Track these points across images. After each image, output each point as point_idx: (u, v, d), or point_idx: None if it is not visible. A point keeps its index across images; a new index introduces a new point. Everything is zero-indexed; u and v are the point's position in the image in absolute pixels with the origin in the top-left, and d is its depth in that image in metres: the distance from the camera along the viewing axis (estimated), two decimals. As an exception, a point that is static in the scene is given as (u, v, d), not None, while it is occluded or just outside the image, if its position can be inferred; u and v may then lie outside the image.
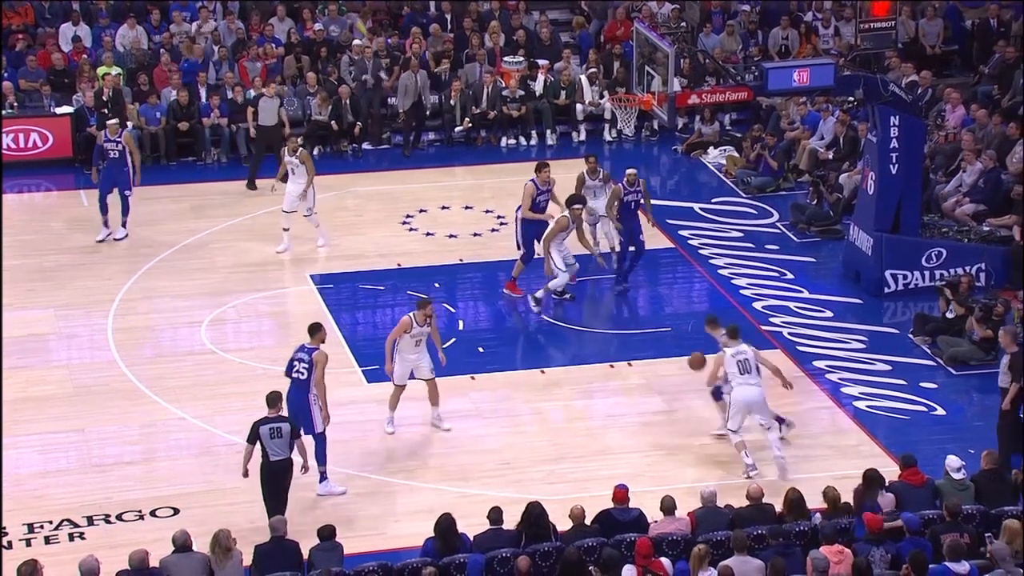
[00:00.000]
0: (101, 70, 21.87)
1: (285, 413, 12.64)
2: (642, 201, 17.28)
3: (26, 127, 21.17)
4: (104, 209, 18.65)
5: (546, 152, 22.51)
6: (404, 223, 19.42)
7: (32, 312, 16.79)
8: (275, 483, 12.40)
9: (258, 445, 12.35)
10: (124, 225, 18.77)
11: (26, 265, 17.75)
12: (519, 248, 17.19)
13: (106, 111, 20.68)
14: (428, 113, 22.37)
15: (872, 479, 11.94)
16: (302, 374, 13.12)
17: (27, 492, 13.21)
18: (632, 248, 17.22)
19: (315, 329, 13.44)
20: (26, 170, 20.84)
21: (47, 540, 12.59)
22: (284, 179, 18.32)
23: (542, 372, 15.69)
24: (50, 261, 18.08)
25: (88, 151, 21.00)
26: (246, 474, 12.43)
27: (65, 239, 18.84)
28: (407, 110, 21.92)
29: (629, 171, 17.35)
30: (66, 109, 21.49)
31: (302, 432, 12.77)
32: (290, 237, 18.25)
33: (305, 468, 12.70)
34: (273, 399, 12.53)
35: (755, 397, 13.57)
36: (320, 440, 13.17)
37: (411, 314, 14.16)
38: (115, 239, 18.56)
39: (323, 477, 13.30)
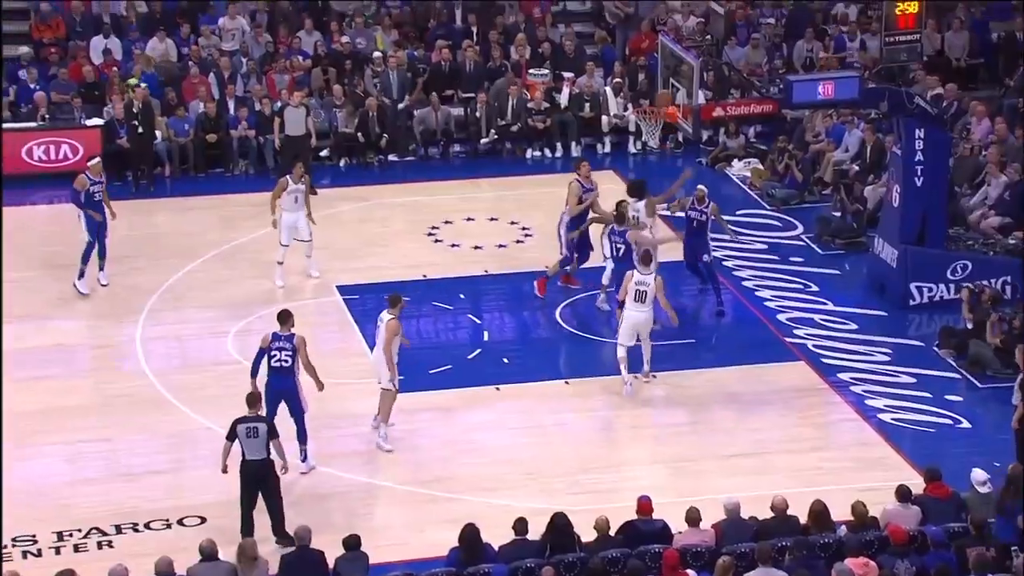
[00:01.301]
0: (131, 82, 22.02)
1: (263, 413, 12.81)
2: (705, 219, 17.17)
3: (57, 139, 21.34)
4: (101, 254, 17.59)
5: (571, 165, 22.47)
6: (430, 234, 19.48)
7: (62, 322, 16.91)
8: (251, 483, 12.50)
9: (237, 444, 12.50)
10: (103, 269, 17.69)
11: (56, 275, 17.86)
12: (565, 253, 17.10)
13: (137, 123, 20.84)
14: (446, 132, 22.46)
15: (904, 494, 11.87)
16: (286, 361, 13.45)
17: (56, 501, 13.30)
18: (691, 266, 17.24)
19: (286, 316, 13.75)
20: (56, 181, 20.96)
21: (76, 548, 12.67)
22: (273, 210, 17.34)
23: (567, 383, 15.70)
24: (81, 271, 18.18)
25: (118, 163, 21.17)
26: (225, 470, 12.56)
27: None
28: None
29: (700, 188, 17.33)
30: (96, 121, 21.66)
31: (293, 415, 13.27)
32: (284, 270, 17.70)
33: (284, 468, 12.78)
34: (253, 399, 12.75)
35: (642, 321, 15.35)
36: (303, 420, 13.45)
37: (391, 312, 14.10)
38: (102, 284, 17.63)
39: (305, 456, 13.62)
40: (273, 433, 12.59)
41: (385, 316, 14.17)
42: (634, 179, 17.04)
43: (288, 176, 17.55)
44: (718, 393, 15.40)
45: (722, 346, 16.67)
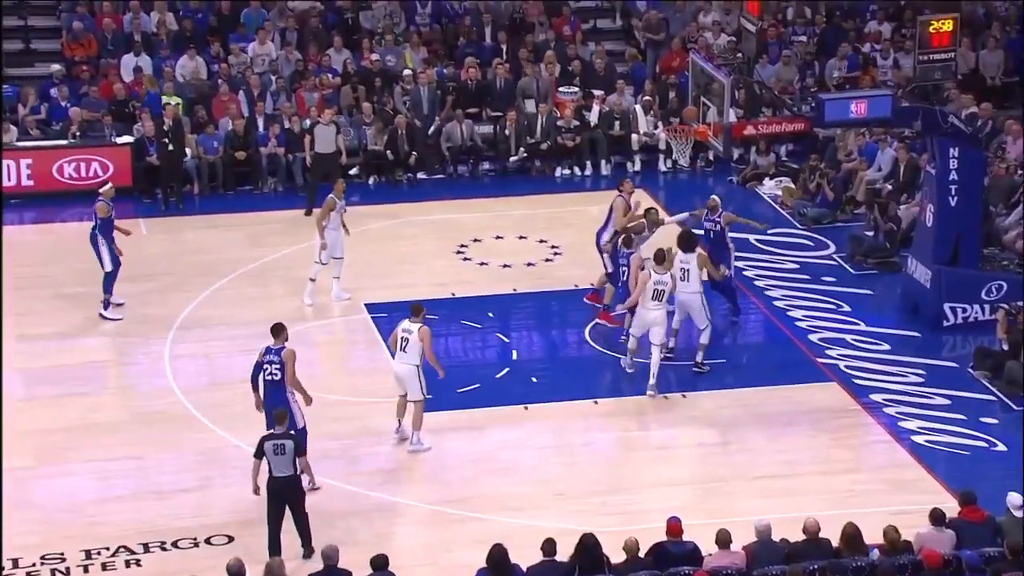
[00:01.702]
0: (162, 100, 22.16)
1: (290, 430, 12.79)
2: (720, 229, 17.08)
3: (88, 156, 21.49)
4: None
5: (600, 183, 22.55)
6: (458, 252, 19.50)
7: (91, 339, 17.01)
8: (278, 500, 12.51)
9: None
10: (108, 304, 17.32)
11: (85, 293, 17.96)
12: (610, 268, 16.93)
13: (167, 140, 20.99)
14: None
15: (938, 517, 11.76)
16: (275, 375, 13.48)
17: (85, 519, 13.34)
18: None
19: (279, 330, 13.75)
20: (86, 199, 21.10)
21: (104, 567, 12.70)
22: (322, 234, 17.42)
23: (596, 403, 15.66)
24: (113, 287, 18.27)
25: (147, 180, 21.32)
26: (257, 491, 12.58)
27: (124, 267, 18.97)
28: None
29: (712, 198, 17.31)
30: (126, 139, 21.80)
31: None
32: (315, 288, 17.74)
33: (312, 485, 12.91)
34: (281, 416, 12.74)
35: (656, 320, 15.48)
36: (301, 434, 13.38)
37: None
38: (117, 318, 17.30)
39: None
40: (300, 450, 12.62)
41: (412, 326, 14.20)
42: (687, 233, 16.40)
43: (331, 195, 17.60)
44: (749, 414, 15.32)
45: (753, 366, 16.59)
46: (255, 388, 13.63)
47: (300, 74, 23.37)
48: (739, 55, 23.66)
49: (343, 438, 14.65)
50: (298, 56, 23.71)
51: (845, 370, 16.30)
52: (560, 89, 23.26)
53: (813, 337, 17.14)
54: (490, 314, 17.53)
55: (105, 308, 17.35)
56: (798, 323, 17.52)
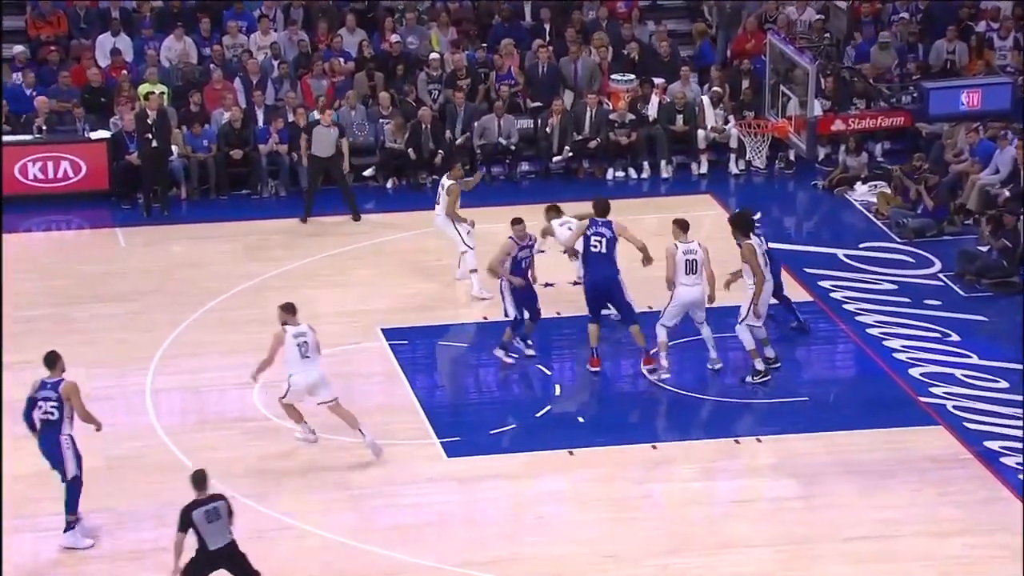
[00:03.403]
0: (143, 88, 22.39)
1: (216, 491, 12.46)
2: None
3: (56, 154, 21.70)
4: None
5: (660, 187, 22.57)
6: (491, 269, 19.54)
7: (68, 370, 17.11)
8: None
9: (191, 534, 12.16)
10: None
11: (54, 315, 18.12)
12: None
13: (150, 136, 21.12)
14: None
15: None
16: (52, 414, 13.49)
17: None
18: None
19: (54, 360, 13.74)
20: (56, 204, 21.36)
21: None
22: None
23: (654, 447, 15.66)
24: (81, 311, 18.46)
25: (127, 183, 21.46)
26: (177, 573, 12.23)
27: (99, 285, 19.24)
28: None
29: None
30: (102, 134, 21.98)
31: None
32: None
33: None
34: (200, 479, 12.36)
35: (696, 297, 16.29)
36: (72, 486, 13.46)
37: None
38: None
39: (69, 526, 13.62)
40: (231, 510, 12.35)
41: (306, 329, 14.88)
42: (742, 210, 16.91)
43: (453, 183, 18.54)
44: (837, 462, 15.27)
45: (842, 405, 16.55)
46: (32, 429, 13.63)
47: (306, 58, 23.54)
48: (826, 36, 23.66)
49: (353, 487, 14.70)
50: (304, 37, 23.88)
51: (953, 411, 16.23)
52: (612, 77, 23.32)
53: (914, 372, 17.08)
54: (528, 342, 17.57)
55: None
56: (896, 355, 17.46)
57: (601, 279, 16.68)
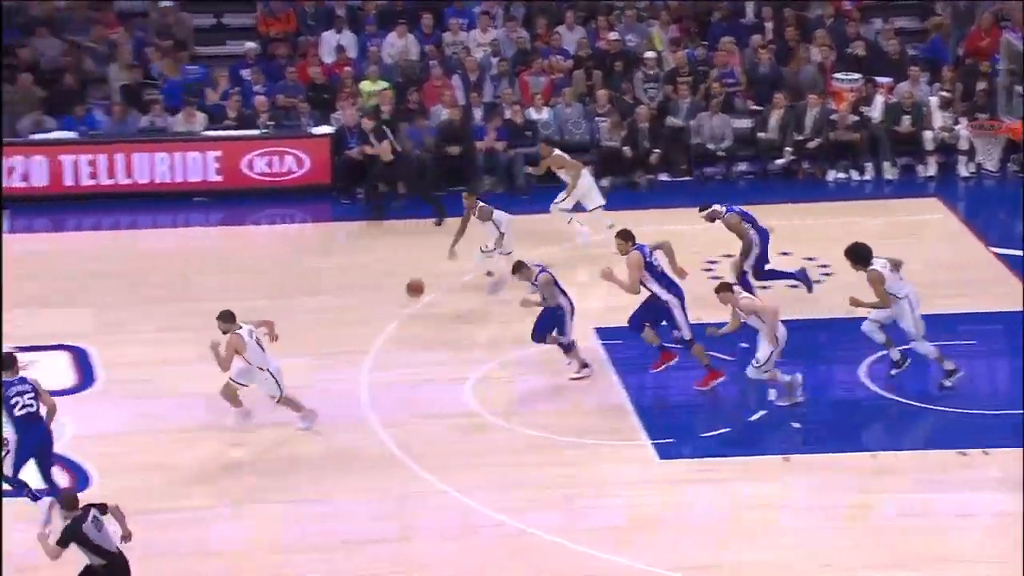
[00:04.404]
0: (364, 85, 22.78)
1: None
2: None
3: (281, 149, 22.21)
4: None
5: (883, 188, 22.08)
6: (706, 270, 19.38)
7: (285, 361, 17.48)
8: None
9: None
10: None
11: (278, 306, 18.48)
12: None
13: (385, 129, 21.41)
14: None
15: None
16: (31, 405, 13.62)
17: (267, 569, 13.66)
18: None
19: (11, 362, 13.82)
20: (279, 198, 21.86)
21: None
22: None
23: (872, 456, 15.32)
24: (303, 304, 18.82)
25: (349, 179, 21.85)
26: None
27: (320, 279, 19.61)
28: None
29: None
30: (325, 129, 22.42)
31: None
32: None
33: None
34: (70, 499, 11.61)
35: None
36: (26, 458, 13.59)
37: None
38: None
39: (35, 496, 13.65)
40: (115, 510, 11.78)
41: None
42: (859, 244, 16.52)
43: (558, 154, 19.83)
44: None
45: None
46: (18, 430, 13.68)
47: (525, 55, 23.65)
48: (1064, 34, 22.82)
49: (565, 487, 14.69)
50: (523, 34, 23.99)
51: None
52: (836, 76, 22.91)
53: None
54: (743, 344, 17.32)
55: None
56: None
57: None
